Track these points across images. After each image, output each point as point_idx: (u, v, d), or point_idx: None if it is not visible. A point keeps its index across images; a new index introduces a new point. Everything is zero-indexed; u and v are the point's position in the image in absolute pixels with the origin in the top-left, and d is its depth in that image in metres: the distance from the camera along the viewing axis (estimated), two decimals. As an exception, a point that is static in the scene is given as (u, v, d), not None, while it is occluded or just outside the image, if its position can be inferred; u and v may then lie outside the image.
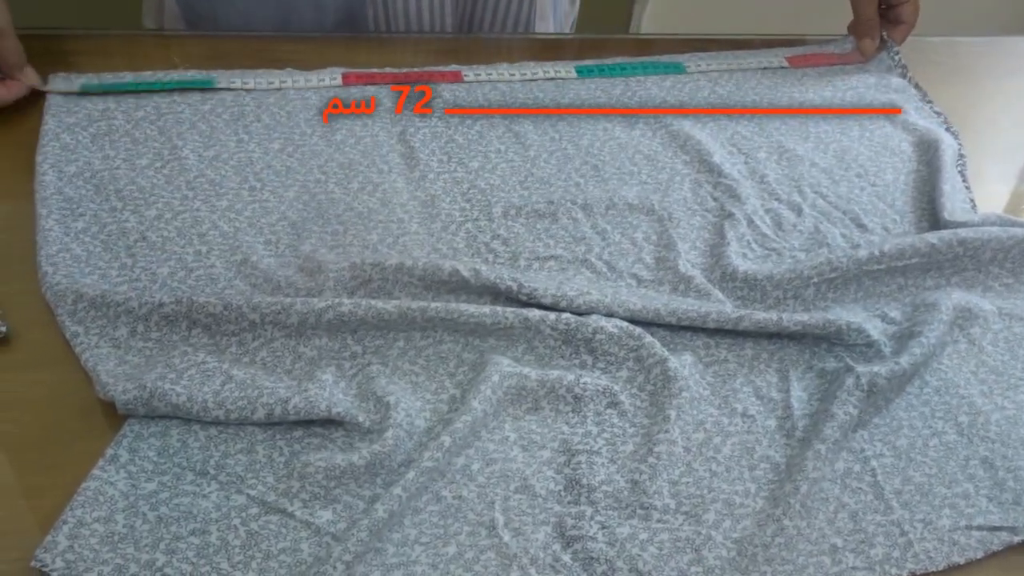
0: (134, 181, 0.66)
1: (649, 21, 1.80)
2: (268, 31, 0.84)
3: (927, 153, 0.79)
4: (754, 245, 0.69)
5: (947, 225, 0.70)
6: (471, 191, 0.70)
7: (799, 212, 0.72)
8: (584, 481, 0.52)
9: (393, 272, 0.60)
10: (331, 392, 0.54)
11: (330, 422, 0.53)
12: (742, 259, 0.67)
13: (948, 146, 0.78)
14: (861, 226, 0.71)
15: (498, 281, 0.60)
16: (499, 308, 0.58)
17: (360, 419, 0.53)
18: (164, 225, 0.63)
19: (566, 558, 0.49)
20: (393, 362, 0.57)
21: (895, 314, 0.64)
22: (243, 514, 0.49)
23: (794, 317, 0.60)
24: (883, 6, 0.88)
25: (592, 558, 0.49)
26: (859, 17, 0.88)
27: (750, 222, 0.70)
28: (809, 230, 0.70)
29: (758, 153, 0.77)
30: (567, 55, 0.85)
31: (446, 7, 0.86)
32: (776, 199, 0.73)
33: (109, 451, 0.50)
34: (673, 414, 0.55)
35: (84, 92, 0.72)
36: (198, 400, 0.51)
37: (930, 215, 0.73)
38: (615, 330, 0.58)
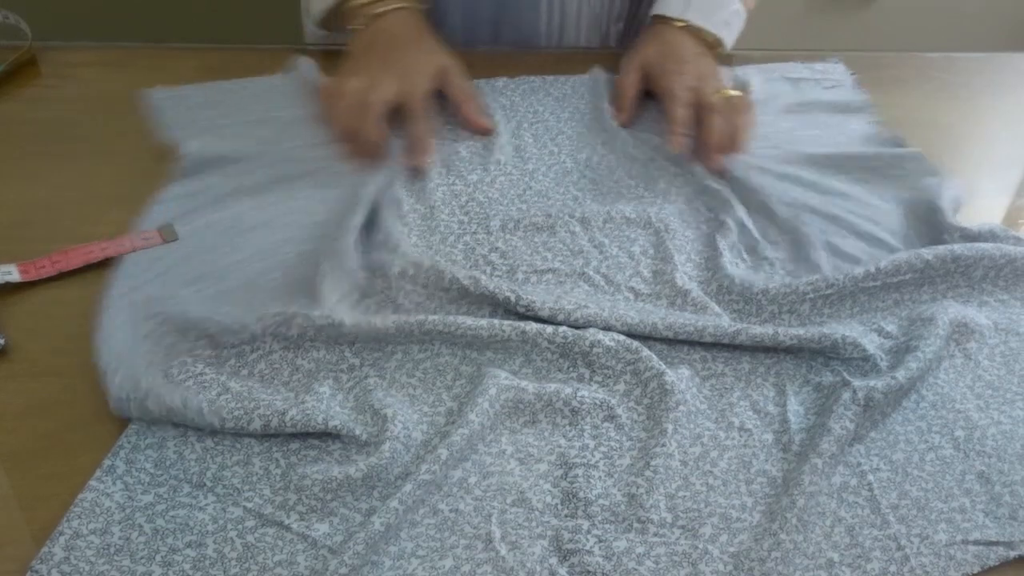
0: None
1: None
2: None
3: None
4: (744, 254, 0.69)
5: (946, 229, 0.70)
6: (470, 204, 0.70)
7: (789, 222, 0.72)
8: (581, 494, 0.52)
9: (396, 279, 0.61)
10: (328, 404, 0.54)
11: (327, 435, 0.53)
12: (735, 269, 0.67)
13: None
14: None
15: (496, 291, 0.60)
16: (496, 321, 0.58)
17: (357, 432, 0.53)
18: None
19: (563, 572, 0.49)
20: (391, 375, 0.57)
21: (891, 328, 0.64)
22: (239, 526, 0.49)
23: (791, 331, 0.60)
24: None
25: (589, 572, 0.49)
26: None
27: (741, 230, 0.70)
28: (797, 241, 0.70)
29: (750, 167, 0.77)
30: (567, 68, 0.86)
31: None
32: (768, 209, 0.73)
33: (106, 462, 0.51)
34: (670, 428, 0.55)
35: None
36: (192, 406, 0.52)
37: (927, 226, 0.73)
38: (612, 343, 0.58)
